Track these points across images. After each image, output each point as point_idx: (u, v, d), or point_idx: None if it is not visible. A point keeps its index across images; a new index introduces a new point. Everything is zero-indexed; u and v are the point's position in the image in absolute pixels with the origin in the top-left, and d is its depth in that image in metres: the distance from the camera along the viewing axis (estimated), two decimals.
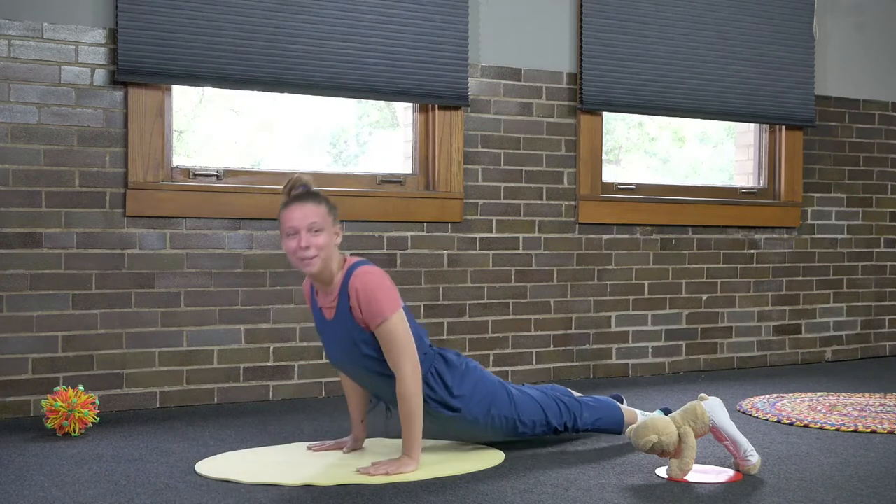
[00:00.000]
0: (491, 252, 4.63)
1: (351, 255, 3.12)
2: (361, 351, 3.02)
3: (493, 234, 4.64)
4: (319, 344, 4.29)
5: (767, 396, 4.28)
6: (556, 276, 4.78)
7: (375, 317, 2.95)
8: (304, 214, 2.96)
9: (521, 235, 4.70)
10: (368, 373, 3.06)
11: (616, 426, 3.39)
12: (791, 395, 4.33)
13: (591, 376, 4.86)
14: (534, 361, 4.72)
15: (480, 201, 4.62)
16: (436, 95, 4.45)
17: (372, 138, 5.10)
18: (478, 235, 4.60)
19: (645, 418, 2.96)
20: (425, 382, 3.07)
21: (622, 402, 3.57)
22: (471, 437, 3.29)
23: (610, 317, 4.91)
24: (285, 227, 2.98)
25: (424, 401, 3.07)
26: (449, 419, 3.15)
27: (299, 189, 3.04)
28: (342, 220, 4.30)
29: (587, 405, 3.36)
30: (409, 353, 2.96)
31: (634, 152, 6.01)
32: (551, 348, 4.77)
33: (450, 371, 3.13)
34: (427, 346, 3.12)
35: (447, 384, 3.11)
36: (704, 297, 5.15)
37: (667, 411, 3.57)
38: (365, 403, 3.26)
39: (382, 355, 3.00)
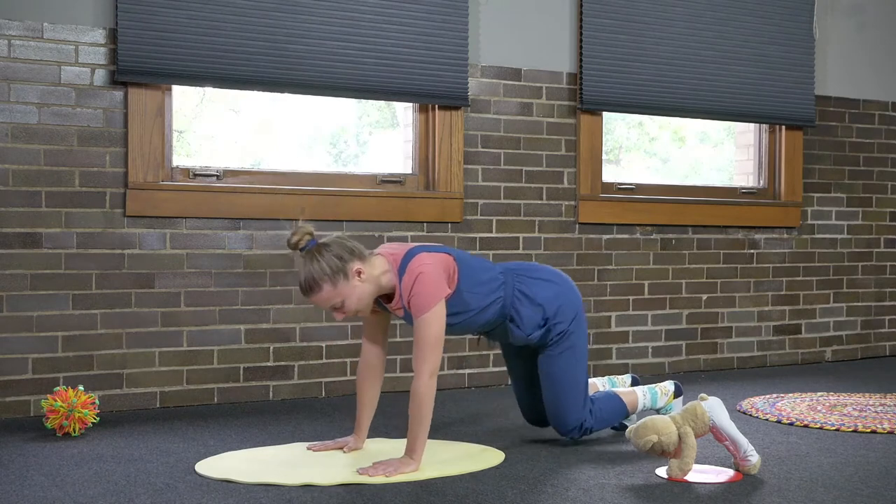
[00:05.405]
0: (491, 252, 4.63)
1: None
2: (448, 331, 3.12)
3: (493, 234, 4.64)
4: (319, 344, 4.29)
5: (767, 396, 4.28)
6: None
7: (414, 311, 3.01)
8: (317, 303, 3.02)
9: (521, 235, 4.70)
10: (469, 332, 3.26)
11: (622, 417, 3.46)
12: (791, 395, 4.33)
13: (591, 376, 4.85)
14: None
15: (480, 201, 4.62)
16: (436, 95, 4.45)
17: (372, 138, 5.10)
18: (478, 235, 4.60)
19: (645, 418, 2.96)
20: (514, 308, 3.22)
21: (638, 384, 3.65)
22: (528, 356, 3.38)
23: (610, 317, 4.91)
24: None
25: (511, 320, 3.22)
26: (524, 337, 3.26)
27: (306, 247, 2.99)
28: (342, 220, 4.31)
29: (597, 419, 3.38)
30: (434, 354, 2.98)
31: (634, 152, 6.01)
32: None
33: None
34: (498, 273, 3.24)
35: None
36: (704, 297, 5.15)
37: (635, 381, 3.64)
38: (374, 408, 3.27)
39: (465, 313, 3.12)
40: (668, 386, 3.56)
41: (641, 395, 3.48)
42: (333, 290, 2.97)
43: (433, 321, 2.98)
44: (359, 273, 2.99)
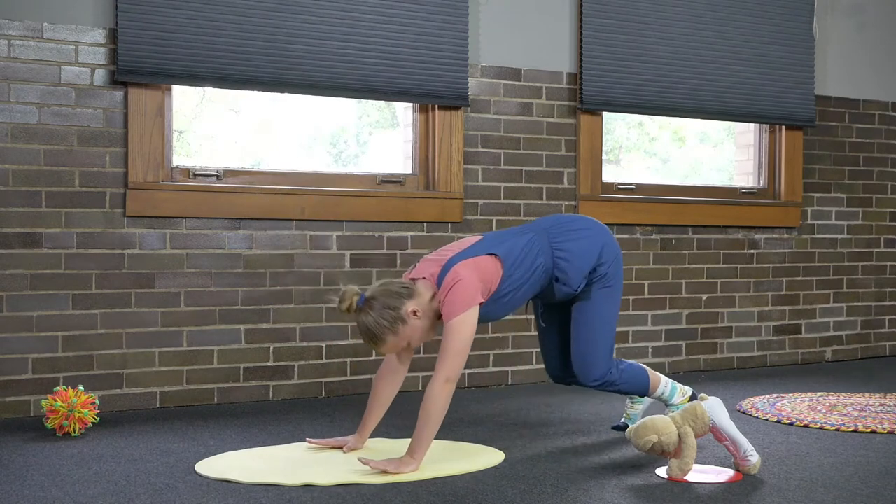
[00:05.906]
0: None
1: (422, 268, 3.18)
2: (499, 310, 3.20)
3: None
4: (319, 344, 4.29)
5: (767, 396, 4.28)
6: None
7: (444, 317, 3.05)
8: (385, 351, 3.10)
9: None
10: (520, 304, 3.27)
11: (643, 389, 3.49)
12: (791, 395, 4.33)
13: None
14: (533, 361, 4.72)
15: (480, 201, 4.61)
16: (436, 95, 4.45)
17: (372, 138, 5.10)
18: None
19: (645, 418, 2.97)
20: (558, 268, 3.25)
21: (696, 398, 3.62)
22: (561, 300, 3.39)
23: None
24: None
25: (557, 280, 3.26)
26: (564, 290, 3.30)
27: (357, 307, 3.06)
28: (342, 220, 4.31)
29: (621, 378, 3.42)
30: (454, 360, 3.00)
31: (634, 152, 6.01)
32: None
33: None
34: (534, 263, 3.23)
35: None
36: (704, 297, 5.15)
37: (693, 395, 3.59)
38: (384, 411, 3.28)
39: (511, 293, 3.17)
40: (688, 389, 3.57)
41: (664, 383, 3.50)
42: (396, 337, 3.04)
43: (461, 329, 3.01)
44: (414, 313, 3.05)
